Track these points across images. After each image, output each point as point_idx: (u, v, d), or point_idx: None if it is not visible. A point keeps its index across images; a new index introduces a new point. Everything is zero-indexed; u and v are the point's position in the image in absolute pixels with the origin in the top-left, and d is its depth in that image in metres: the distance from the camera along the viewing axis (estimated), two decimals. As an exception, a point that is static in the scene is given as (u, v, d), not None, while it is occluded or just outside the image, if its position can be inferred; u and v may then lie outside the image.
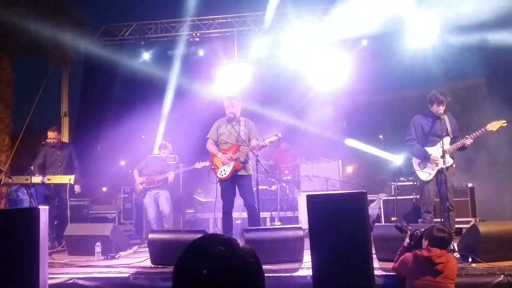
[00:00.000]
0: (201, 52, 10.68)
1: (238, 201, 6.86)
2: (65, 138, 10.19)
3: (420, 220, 6.29)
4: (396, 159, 8.60)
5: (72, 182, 6.96)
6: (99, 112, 11.32)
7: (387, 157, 8.97)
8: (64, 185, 7.05)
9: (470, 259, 4.62)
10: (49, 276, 4.39)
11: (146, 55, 10.92)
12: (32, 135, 7.89)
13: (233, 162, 6.09)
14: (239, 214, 7.91)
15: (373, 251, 4.40)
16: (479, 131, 5.90)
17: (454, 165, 6.09)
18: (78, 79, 11.45)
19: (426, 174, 6.12)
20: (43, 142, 7.47)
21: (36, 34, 8.68)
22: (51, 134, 7.55)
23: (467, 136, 5.95)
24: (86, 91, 11.51)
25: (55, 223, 7.31)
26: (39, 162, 7.40)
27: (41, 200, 7.08)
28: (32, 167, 7.02)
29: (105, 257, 5.82)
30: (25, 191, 7.11)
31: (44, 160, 7.55)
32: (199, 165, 7.64)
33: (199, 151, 7.72)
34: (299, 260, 4.98)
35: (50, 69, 10.17)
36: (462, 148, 6.01)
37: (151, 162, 7.99)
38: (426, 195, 6.15)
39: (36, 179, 6.91)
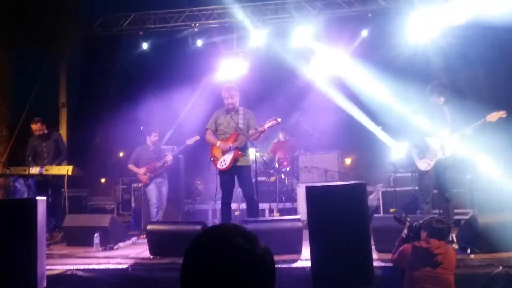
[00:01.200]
0: (199, 43, 10.60)
1: (238, 191, 6.84)
2: (63, 129, 10.14)
3: (418, 212, 6.29)
4: (400, 149, 8.49)
5: (70, 173, 6.89)
6: (97, 103, 11.28)
7: (394, 146, 8.79)
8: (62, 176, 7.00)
9: (468, 250, 4.62)
10: (47, 267, 4.39)
11: (144, 45, 10.82)
12: (30, 126, 7.85)
13: (232, 151, 6.06)
14: (238, 206, 7.90)
15: (372, 242, 4.40)
16: (479, 122, 5.88)
17: (453, 156, 6.07)
18: (76, 70, 11.39)
19: (425, 164, 6.11)
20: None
21: (34, 25, 8.61)
22: (34, 127, 7.44)
23: (466, 127, 5.93)
24: (85, 82, 11.45)
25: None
26: (29, 154, 7.34)
27: (35, 190, 7.04)
28: (30, 158, 6.99)
29: (103, 248, 5.82)
30: (23, 182, 7.07)
31: (34, 152, 7.48)
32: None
33: (198, 141, 7.68)
34: (298, 251, 4.98)
35: (48, 60, 10.11)
36: (462, 139, 5.99)
37: (143, 151, 7.85)
38: (424, 186, 6.15)
39: (34, 170, 6.86)
